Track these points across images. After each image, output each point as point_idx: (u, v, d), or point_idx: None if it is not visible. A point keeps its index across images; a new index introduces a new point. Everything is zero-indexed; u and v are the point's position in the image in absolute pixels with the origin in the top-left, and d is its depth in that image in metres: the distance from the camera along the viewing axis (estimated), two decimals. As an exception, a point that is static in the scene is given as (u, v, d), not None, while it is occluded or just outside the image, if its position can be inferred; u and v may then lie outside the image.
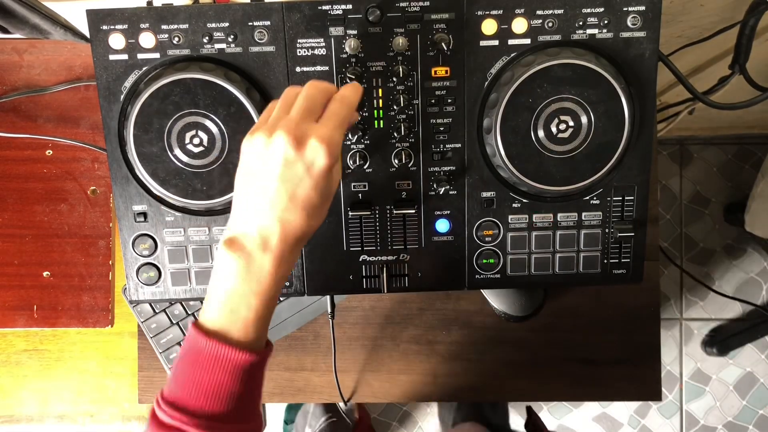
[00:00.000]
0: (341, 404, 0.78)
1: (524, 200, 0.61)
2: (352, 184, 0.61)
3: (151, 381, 0.78)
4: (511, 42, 0.58)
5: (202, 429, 0.47)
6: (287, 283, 0.63)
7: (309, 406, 1.35)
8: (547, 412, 1.67)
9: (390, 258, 0.63)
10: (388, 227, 0.62)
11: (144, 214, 0.61)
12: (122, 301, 0.79)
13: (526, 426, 0.81)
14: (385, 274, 0.62)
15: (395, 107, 0.59)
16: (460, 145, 0.60)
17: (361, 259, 0.63)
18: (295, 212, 0.48)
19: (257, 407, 0.53)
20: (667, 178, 1.67)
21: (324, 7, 0.57)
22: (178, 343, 0.76)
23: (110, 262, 0.79)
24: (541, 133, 0.58)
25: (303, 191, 0.48)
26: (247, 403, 0.50)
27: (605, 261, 0.63)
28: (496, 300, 0.76)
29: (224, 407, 0.48)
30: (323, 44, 0.58)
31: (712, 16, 0.82)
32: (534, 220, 0.62)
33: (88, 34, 0.58)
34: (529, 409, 0.81)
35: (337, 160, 0.49)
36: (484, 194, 0.61)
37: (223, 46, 0.58)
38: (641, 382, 0.78)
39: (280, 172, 0.47)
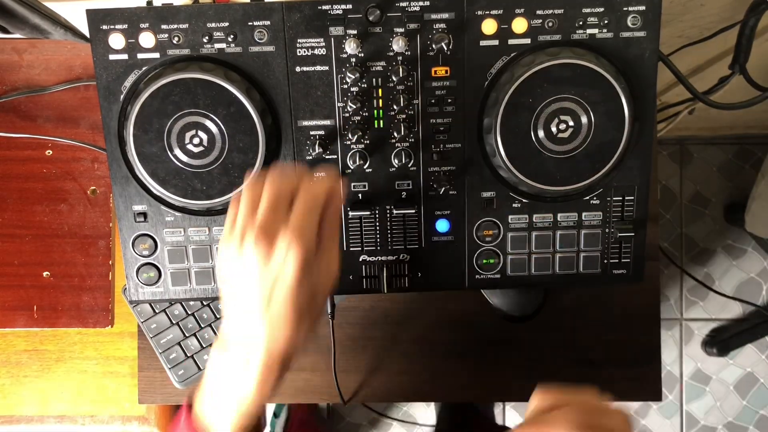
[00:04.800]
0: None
1: (524, 200, 0.61)
2: (352, 184, 0.61)
3: (151, 381, 0.78)
4: (511, 42, 0.58)
5: None
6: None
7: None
8: (547, 412, 1.67)
9: (390, 258, 0.63)
10: (388, 227, 0.62)
11: (144, 214, 0.61)
12: (122, 301, 0.79)
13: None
14: (385, 274, 0.62)
15: (395, 107, 0.59)
16: (460, 145, 0.60)
17: (361, 259, 0.63)
18: (277, 324, 0.47)
19: None
20: (667, 178, 1.67)
21: (324, 7, 0.57)
22: (179, 343, 0.76)
23: (110, 262, 0.79)
24: (541, 133, 0.58)
25: (280, 296, 0.46)
26: None
27: (605, 261, 0.63)
28: (496, 300, 0.76)
29: None
30: (323, 44, 0.58)
31: (712, 16, 0.82)
32: (534, 220, 0.62)
33: (88, 34, 0.58)
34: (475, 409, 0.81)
35: (309, 251, 0.47)
36: (484, 194, 0.61)
37: (223, 45, 0.58)
38: (641, 382, 0.78)
39: (254, 282, 0.46)
